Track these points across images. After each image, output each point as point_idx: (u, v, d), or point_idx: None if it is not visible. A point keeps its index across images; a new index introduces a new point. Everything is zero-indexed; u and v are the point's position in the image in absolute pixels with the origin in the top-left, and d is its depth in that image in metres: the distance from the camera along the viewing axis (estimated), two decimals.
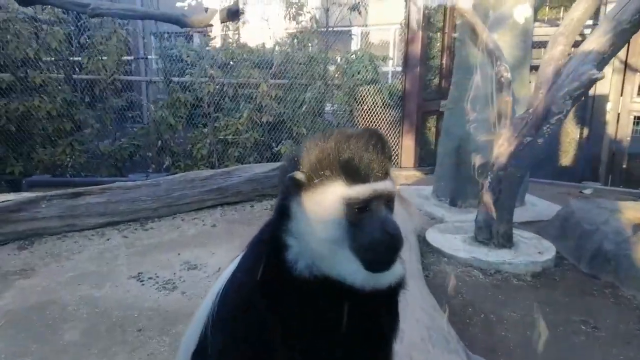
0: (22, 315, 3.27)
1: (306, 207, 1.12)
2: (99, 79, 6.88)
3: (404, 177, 7.34)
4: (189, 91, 7.23)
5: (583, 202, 5.01)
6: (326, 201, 1.09)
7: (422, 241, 4.45)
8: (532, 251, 4.26)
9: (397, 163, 8.07)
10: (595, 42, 3.62)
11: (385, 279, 1.13)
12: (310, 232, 1.12)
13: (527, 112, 4.07)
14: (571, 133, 9.61)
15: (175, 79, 7.30)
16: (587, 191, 6.84)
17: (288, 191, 1.14)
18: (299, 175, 1.12)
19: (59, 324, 3.22)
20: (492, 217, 4.26)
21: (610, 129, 9.38)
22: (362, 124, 8.20)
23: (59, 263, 4.19)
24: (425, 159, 8.29)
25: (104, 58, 6.82)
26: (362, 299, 1.12)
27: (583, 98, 4.63)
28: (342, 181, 1.09)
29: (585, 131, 9.73)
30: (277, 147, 7.16)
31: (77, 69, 7.07)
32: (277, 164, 6.04)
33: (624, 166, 9.33)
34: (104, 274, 3.97)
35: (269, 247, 1.16)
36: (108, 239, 4.72)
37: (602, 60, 3.61)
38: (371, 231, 1.09)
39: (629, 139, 9.39)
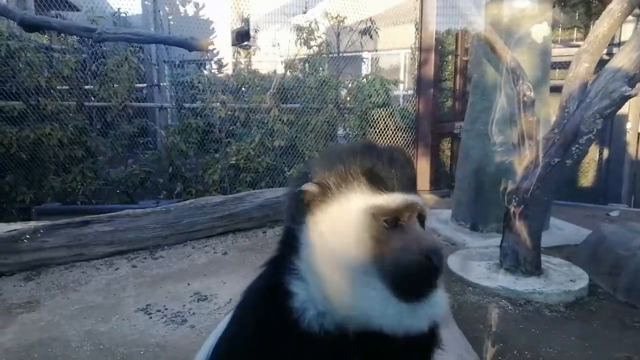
0: (24, 354, 3.09)
1: (320, 226, 0.91)
2: (110, 106, 6.85)
3: None
4: (201, 117, 7.17)
5: (614, 225, 4.74)
6: (347, 215, 0.90)
7: (444, 268, 4.21)
8: (563, 279, 3.99)
9: None
10: (626, 57, 3.44)
11: (424, 314, 0.89)
12: (323, 262, 0.90)
13: (553, 132, 3.88)
14: (590, 154, 9.35)
15: (187, 104, 7.26)
16: (614, 213, 6.56)
17: (296, 212, 0.94)
18: (311, 187, 0.93)
19: None
20: (519, 243, 4.02)
21: (631, 149, 9.12)
22: None
23: (65, 295, 4.03)
24: (440, 182, 8.08)
25: (116, 85, 6.80)
26: (392, 350, 0.89)
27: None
28: (367, 189, 0.91)
29: (605, 152, 9.49)
30: (289, 171, 7.01)
31: (89, 97, 7.06)
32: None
33: None
34: (111, 307, 3.80)
35: (268, 296, 0.95)
36: (117, 269, 4.55)
37: (633, 77, 3.42)
38: (404, 248, 0.88)
39: None
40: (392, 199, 0.90)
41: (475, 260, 4.37)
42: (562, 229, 5.50)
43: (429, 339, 0.96)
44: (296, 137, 7.29)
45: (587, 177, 9.55)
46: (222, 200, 5.40)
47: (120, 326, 3.47)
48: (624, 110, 8.76)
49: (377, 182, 0.91)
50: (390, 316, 0.86)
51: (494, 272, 4.10)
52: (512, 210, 4.05)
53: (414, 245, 0.88)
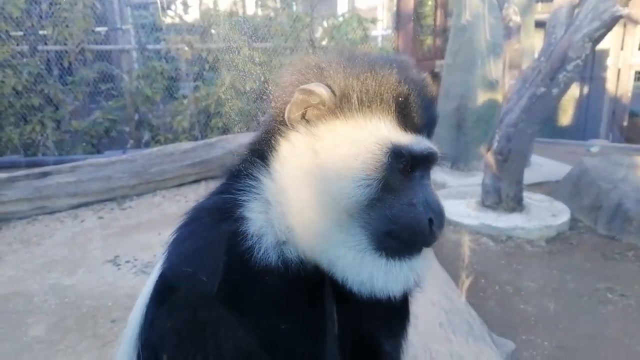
0: None
1: (317, 142, 0.73)
2: (66, 50, 6.32)
3: None
4: (166, 60, 6.73)
5: (597, 159, 4.65)
6: (361, 142, 0.72)
7: None
8: (544, 214, 3.92)
9: None
10: None
11: (401, 278, 0.74)
12: (305, 185, 0.73)
13: (540, 60, 3.66)
14: (571, 91, 9.24)
15: (150, 46, 6.77)
16: (594, 149, 6.51)
17: (287, 115, 0.75)
18: (321, 90, 0.73)
19: (24, 317, 2.87)
20: (501, 180, 3.90)
21: (610, 85, 9.04)
22: None
23: (27, 249, 3.81)
24: None
25: (71, 26, 6.25)
26: (359, 305, 0.73)
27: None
28: (397, 121, 0.75)
29: (586, 89, 9.39)
30: (264, 116, 6.70)
31: (43, 41, 6.51)
32: None
33: (625, 123, 9.04)
34: (77, 260, 3.60)
35: (217, 218, 0.75)
36: (82, 221, 4.32)
37: None
38: (416, 203, 0.74)
39: (629, 94, 9.08)
40: (420, 144, 0.76)
41: (457, 199, 4.26)
42: (543, 166, 5.43)
43: (398, 307, 0.81)
44: (270, 79, 6.93)
45: (567, 114, 9.50)
46: (192, 146, 5.12)
47: (87, 279, 3.29)
48: (605, 45, 8.58)
49: (410, 118, 0.76)
50: (361, 270, 0.72)
51: (476, 210, 4.00)
52: (494, 146, 3.90)
53: (422, 202, 0.75)
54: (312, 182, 0.73)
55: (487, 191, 3.99)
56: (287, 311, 0.74)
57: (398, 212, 0.73)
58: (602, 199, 3.92)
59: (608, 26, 3.29)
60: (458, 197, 4.32)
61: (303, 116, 0.75)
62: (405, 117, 0.75)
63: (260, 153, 0.77)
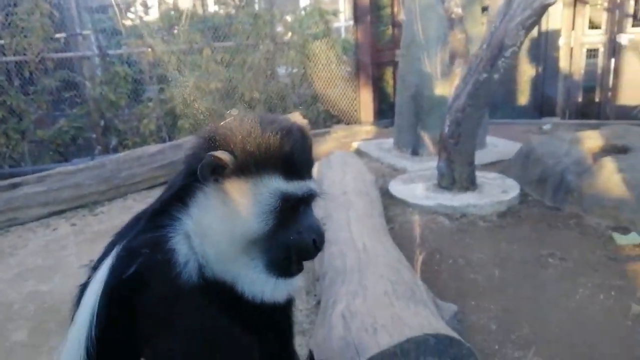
0: None
1: (224, 196, 0.98)
2: (26, 60, 6.29)
3: (364, 132, 7.18)
4: (128, 64, 6.75)
5: (543, 137, 4.96)
6: (257, 193, 0.98)
7: (386, 193, 4.32)
8: (496, 191, 4.20)
9: (357, 119, 7.88)
10: None
11: (284, 289, 1.05)
12: (218, 227, 0.99)
13: (482, 48, 3.91)
14: (527, 71, 9.60)
15: (112, 52, 6.79)
16: (546, 127, 6.86)
17: (200, 173, 0.98)
18: (225, 156, 0.96)
19: (4, 324, 2.99)
20: (454, 162, 4.16)
21: (564, 64, 9.40)
22: (318, 82, 7.92)
23: (2, 260, 3.90)
24: (385, 112, 8.11)
25: (29, 36, 6.22)
26: (256, 308, 1.03)
27: (536, 34, 4.48)
28: (281, 175, 0.99)
29: (540, 68, 9.74)
30: (229, 114, 6.81)
31: (1, 52, 6.45)
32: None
33: (579, 100, 9.44)
34: (52, 267, 3.71)
35: (154, 251, 0.98)
36: (54, 229, 4.40)
37: None
38: (302, 230, 1.01)
39: (582, 72, 9.47)
40: (302, 187, 1.01)
41: (415, 183, 4.50)
42: (497, 146, 5.72)
43: (285, 305, 1.12)
44: (234, 77, 7.04)
45: (524, 94, 9.83)
46: (160, 149, 5.23)
47: (64, 284, 3.40)
48: (556, 25, 8.94)
49: (293, 168, 1.00)
50: (255, 286, 1.00)
51: (433, 192, 4.25)
52: (445, 131, 4.15)
53: (307, 229, 1.01)
54: (222, 223, 0.98)
55: (442, 174, 4.25)
56: (208, 317, 1.00)
57: (289, 240, 1.00)
58: (548, 173, 4.22)
59: (538, 14, 3.55)
60: (417, 180, 4.56)
61: (212, 173, 0.98)
62: (289, 169, 1.00)
63: (181, 198, 1.01)
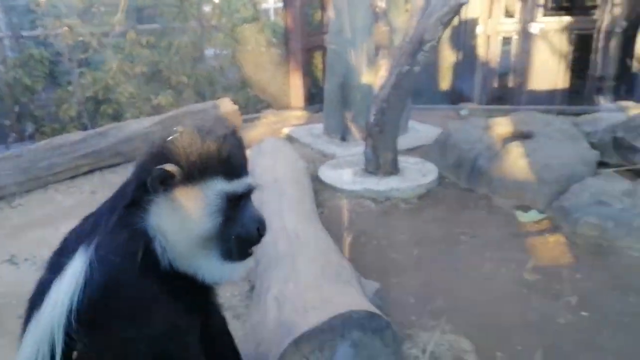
0: None
1: (176, 203, 1.12)
2: None
3: (295, 118, 7.29)
4: (45, 46, 6.33)
5: (459, 123, 5.36)
6: (204, 196, 1.13)
7: (316, 179, 4.49)
8: (417, 175, 4.52)
9: (287, 104, 7.96)
10: None
11: (240, 270, 1.24)
12: (175, 229, 1.13)
13: (404, 41, 4.15)
14: (448, 58, 10.14)
15: (26, 33, 6.33)
16: (464, 112, 7.35)
17: (151, 186, 1.11)
18: (172, 168, 1.11)
19: None
20: (378, 148, 4.41)
21: (482, 51, 10.01)
22: (247, 66, 7.89)
23: None
24: (315, 97, 8.25)
25: None
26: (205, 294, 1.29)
27: (456, 23, 4.82)
28: (223, 177, 1.15)
29: (460, 55, 10.32)
30: (156, 99, 6.62)
31: None
32: (160, 117, 5.64)
33: (495, 85, 10.15)
34: None
35: (135, 242, 1.12)
36: None
37: None
38: (246, 222, 1.19)
39: (498, 59, 10.15)
40: (241, 185, 1.18)
41: (343, 168, 4.72)
42: (419, 131, 6.08)
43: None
44: (160, 61, 6.83)
45: (445, 80, 10.39)
46: (83, 137, 5.02)
47: None
48: (474, 14, 9.50)
49: (232, 169, 1.17)
50: (215, 272, 1.19)
51: (359, 177, 4.49)
52: (371, 119, 4.38)
53: (250, 219, 1.20)
54: (177, 226, 1.13)
55: (368, 159, 4.49)
56: (180, 297, 1.16)
57: (237, 232, 1.18)
58: (463, 158, 4.60)
59: (455, 11, 3.84)
60: (345, 166, 4.78)
61: (161, 184, 1.12)
62: (229, 171, 1.16)
63: (137, 205, 1.14)
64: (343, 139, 5.76)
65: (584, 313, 2.73)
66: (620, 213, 3.53)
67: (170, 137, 1.16)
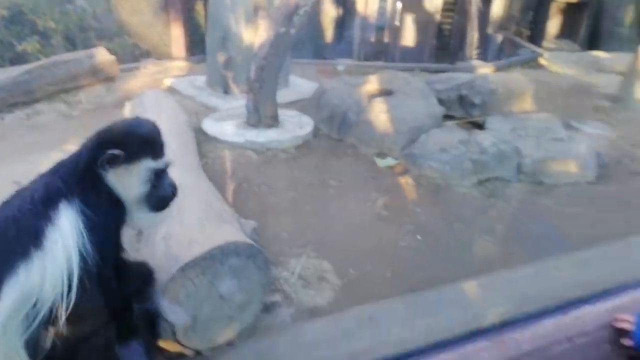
0: None
1: (120, 174, 1.63)
2: None
3: (177, 68, 7.24)
4: None
5: (333, 80, 5.87)
6: (138, 172, 1.66)
7: (199, 131, 4.72)
8: (295, 127, 4.97)
9: (167, 53, 7.82)
10: None
11: (162, 218, 1.88)
12: (120, 192, 1.66)
13: (281, 3, 4.43)
14: (330, 13, 10.54)
15: None
16: (340, 68, 7.90)
17: (101, 165, 1.59)
18: (117, 152, 1.59)
19: None
20: (259, 102, 4.75)
21: (360, 7, 10.55)
22: (123, 11, 7.52)
23: None
24: (196, 47, 8.16)
25: None
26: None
27: None
28: (151, 158, 1.67)
29: (341, 10, 10.77)
30: (20, 45, 6.13)
31: None
32: (28, 66, 5.30)
33: (372, 41, 10.85)
34: None
35: (111, 193, 1.65)
36: None
37: None
38: (165, 187, 1.76)
39: (375, 14, 10.78)
40: (163, 162, 1.73)
41: (226, 121, 5.00)
42: (299, 85, 6.50)
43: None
44: (22, 3, 6.27)
45: (327, 35, 10.84)
46: None
47: None
48: None
49: (155, 152, 1.69)
50: (145, 220, 1.80)
51: (242, 129, 4.81)
52: (252, 75, 4.67)
53: (168, 185, 1.78)
54: (122, 189, 1.66)
55: (249, 112, 4.82)
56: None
57: (159, 194, 1.74)
58: (335, 111, 5.14)
59: None
60: (228, 119, 5.05)
61: (108, 163, 1.59)
62: (154, 152, 1.69)
63: (94, 172, 1.62)
64: (226, 91, 5.96)
65: (419, 237, 3.48)
66: (455, 158, 4.36)
67: (114, 126, 1.68)
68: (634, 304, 1.13)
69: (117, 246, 1.74)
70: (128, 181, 1.64)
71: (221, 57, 5.79)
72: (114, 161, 1.58)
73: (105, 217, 1.59)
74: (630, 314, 1.07)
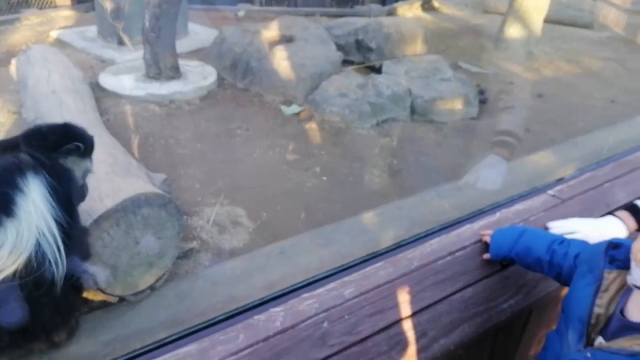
0: None
1: (73, 162, 1.97)
2: None
3: (63, 19, 6.67)
4: None
5: (233, 27, 5.81)
6: (79, 166, 2.02)
7: (97, 86, 4.53)
8: (198, 78, 4.93)
9: (51, 2, 7.13)
10: None
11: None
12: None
13: None
14: None
15: None
16: (241, 13, 7.73)
17: (66, 152, 1.92)
18: (78, 145, 1.95)
19: None
20: (157, 53, 4.63)
21: None
22: None
23: None
24: None
25: None
26: None
27: None
28: (89, 159, 2.08)
29: None
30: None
31: None
32: None
33: None
34: None
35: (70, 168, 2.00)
36: None
37: None
38: (85, 186, 2.12)
39: None
40: (91, 162, 2.08)
41: (125, 74, 4.82)
42: (199, 33, 6.34)
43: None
44: None
45: None
46: None
47: None
48: None
49: (90, 154, 2.06)
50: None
51: (142, 82, 4.69)
52: (146, 25, 4.51)
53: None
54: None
55: (148, 65, 4.69)
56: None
57: (87, 174, 2.11)
58: (237, 60, 5.16)
59: None
60: (126, 72, 4.87)
61: (68, 153, 1.93)
62: (89, 153, 2.05)
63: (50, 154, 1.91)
64: (121, 42, 5.67)
65: (324, 178, 3.78)
66: (354, 102, 4.66)
67: (72, 124, 2.04)
68: (504, 220, 1.47)
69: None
70: (75, 167, 1.99)
71: (108, 4, 5.45)
72: (72, 151, 1.94)
73: (68, 189, 1.86)
74: (492, 229, 1.37)
